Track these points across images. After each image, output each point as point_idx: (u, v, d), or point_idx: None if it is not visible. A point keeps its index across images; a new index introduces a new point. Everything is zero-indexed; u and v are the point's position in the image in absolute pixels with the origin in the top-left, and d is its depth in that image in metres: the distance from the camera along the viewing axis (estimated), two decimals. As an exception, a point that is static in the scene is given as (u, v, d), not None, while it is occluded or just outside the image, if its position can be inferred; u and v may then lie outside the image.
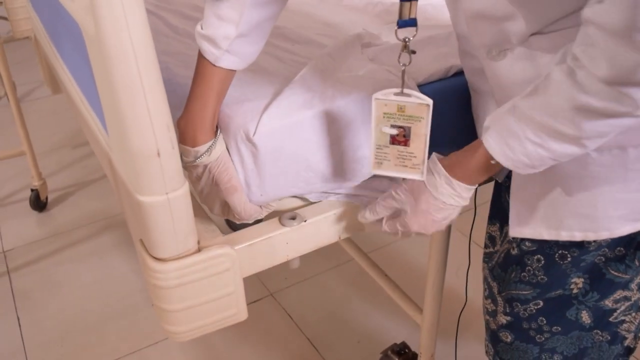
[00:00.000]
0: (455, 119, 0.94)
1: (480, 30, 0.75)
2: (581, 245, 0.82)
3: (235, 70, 0.82)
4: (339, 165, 0.85)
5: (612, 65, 0.58)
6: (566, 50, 0.64)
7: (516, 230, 0.84)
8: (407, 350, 1.42)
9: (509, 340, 0.94)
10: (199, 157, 0.80)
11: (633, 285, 0.85)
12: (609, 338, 0.90)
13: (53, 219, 2.19)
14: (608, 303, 0.86)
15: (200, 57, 0.80)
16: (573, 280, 0.85)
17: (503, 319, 0.93)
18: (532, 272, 0.87)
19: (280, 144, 0.79)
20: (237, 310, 0.81)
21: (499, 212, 0.94)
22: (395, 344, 1.44)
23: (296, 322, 1.70)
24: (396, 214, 0.81)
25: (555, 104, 0.64)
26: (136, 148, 0.65)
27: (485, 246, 0.99)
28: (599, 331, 0.89)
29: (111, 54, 0.60)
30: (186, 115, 0.81)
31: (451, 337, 1.61)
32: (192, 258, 0.74)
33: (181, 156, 0.77)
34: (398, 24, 0.74)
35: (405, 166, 0.79)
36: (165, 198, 0.68)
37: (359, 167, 0.87)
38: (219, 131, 0.81)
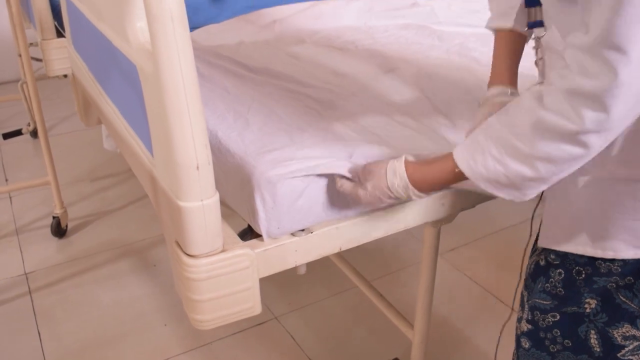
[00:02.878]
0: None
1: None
2: (594, 266, 0.91)
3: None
4: (343, 200, 1.01)
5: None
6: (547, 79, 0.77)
7: (544, 241, 0.97)
8: (399, 366, 1.54)
9: (527, 346, 1.03)
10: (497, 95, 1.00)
11: None
12: None
13: (72, 245, 2.30)
14: (617, 336, 0.92)
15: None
16: (587, 300, 0.93)
17: (525, 326, 1.02)
18: (553, 283, 0.96)
19: (295, 186, 0.97)
20: (253, 304, 0.95)
21: None
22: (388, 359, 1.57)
23: (299, 344, 1.81)
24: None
25: (519, 122, 0.77)
26: (180, 162, 0.81)
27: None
28: None
29: (166, 88, 0.77)
30: None
31: (439, 354, 1.72)
32: (219, 255, 0.89)
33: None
34: (528, 25, 0.97)
35: None
36: (201, 204, 0.84)
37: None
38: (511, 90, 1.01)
